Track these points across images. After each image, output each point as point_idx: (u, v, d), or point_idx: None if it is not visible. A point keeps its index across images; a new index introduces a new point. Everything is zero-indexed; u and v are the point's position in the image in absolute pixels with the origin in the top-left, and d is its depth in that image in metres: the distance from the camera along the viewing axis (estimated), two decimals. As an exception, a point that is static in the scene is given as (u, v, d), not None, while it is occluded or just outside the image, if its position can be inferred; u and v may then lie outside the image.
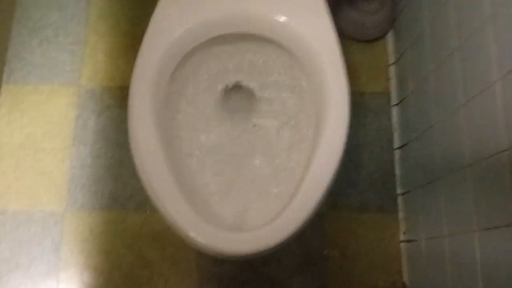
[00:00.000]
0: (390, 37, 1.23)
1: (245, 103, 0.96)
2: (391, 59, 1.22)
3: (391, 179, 1.14)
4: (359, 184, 1.14)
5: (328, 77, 0.81)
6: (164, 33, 0.84)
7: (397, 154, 1.15)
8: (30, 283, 1.07)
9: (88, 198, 1.12)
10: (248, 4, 0.86)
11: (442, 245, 0.88)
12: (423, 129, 0.99)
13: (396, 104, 1.17)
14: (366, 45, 1.23)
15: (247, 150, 0.93)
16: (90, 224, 1.10)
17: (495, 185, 0.71)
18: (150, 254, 1.08)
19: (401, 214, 1.11)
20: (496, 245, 0.71)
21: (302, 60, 0.86)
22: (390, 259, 1.09)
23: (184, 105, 0.92)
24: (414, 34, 1.06)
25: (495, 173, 0.71)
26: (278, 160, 0.91)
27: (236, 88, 0.96)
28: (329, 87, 0.81)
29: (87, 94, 1.19)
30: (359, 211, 1.12)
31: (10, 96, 1.18)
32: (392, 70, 1.21)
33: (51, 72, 1.21)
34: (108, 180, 1.13)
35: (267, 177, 0.90)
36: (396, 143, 1.16)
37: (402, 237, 1.09)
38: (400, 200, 1.12)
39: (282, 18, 0.85)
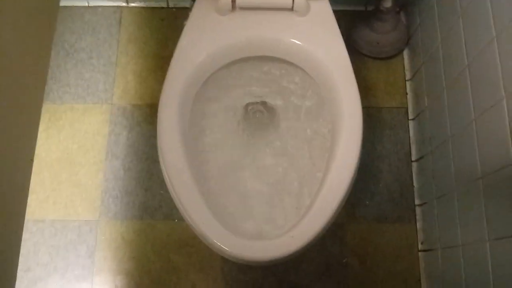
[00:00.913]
0: (406, 54, 1.25)
1: (266, 121, 0.99)
2: (408, 75, 1.23)
3: (409, 190, 1.15)
4: (378, 195, 1.15)
5: (341, 92, 0.84)
6: (189, 57, 0.87)
7: (414, 166, 1.16)
8: (66, 286, 1.10)
9: (120, 208, 1.15)
10: (266, 30, 0.90)
11: (457, 254, 0.90)
12: (438, 143, 1.01)
13: (413, 119, 1.19)
14: (382, 63, 1.26)
15: (269, 165, 0.96)
16: (122, 233, 1.13)
17: (505, 197, 0.73)
18: (178, 261, 1.11)
19: (419, 225, 1.12)
20: (506, 254, 0.72)
21: (316, 79, 0.90)
22: (408, 268, 1.10)
23: (209, 123, 0.95)
24: (428, 53, 1.08)
25: (505, 185, 0.72)
26: (301, 172, 0.94)
27: (257, 106, 1.00)
28: (342, 101, 0.84)
29: (118, 112, 1.23)
30: (378, 221, 1.13)
31: (48, 114, 1.23)
32: (408, 86, 1.23)
33: (85, 92, 1.25)
34: (139, 191, 1.17)
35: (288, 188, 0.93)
36: (414, 155, 1.17)
37: (420, 247, 1.11)
38: (418, 211, 1.13)
39: (298, 42, 0.89)
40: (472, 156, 0.83)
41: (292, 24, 0.90)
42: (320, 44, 0.88)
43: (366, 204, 1.15)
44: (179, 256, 1.12)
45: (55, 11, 0.74)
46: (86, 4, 1.33)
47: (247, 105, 1.00)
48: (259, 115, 1.00)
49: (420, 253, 1.11)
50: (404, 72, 1.24)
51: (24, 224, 1.13)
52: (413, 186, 1.16)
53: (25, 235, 1.13)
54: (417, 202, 1.14)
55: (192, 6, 0.92)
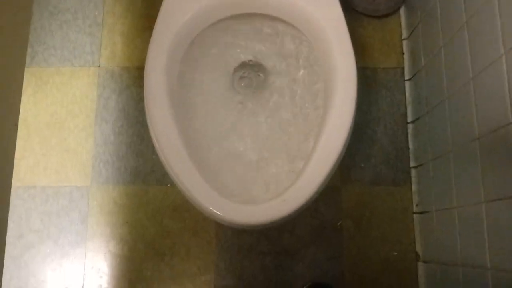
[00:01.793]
0: (402, 12, 1.22)
1: (258, 82, 0.97)
2: (404, 34, 1.20)
3: (405, 152, 1.14)
4: (373, 157, 1.14)
5: (334, 51, 0.82)
6: (175, 15, 0.84)
7: (410, 128, 1.15)
8: (59, 252, 1.11)
9: (112, 173, 1.14)
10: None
11: (453, 216, 0.89)
12: (434, 103, 0.99)
13: (409, 79, 1.17)
14: (378, 21, 1.22)
15: (261, 128, 0.94)
16: (114, 197, 1.13)
17: (502, 158, 0.72)
18: (172, 225, 1.11)
19: (414, 187, 1.12)
20: (502, 215, 0.72)
21: (309, 37, 0.87)
22: (403, 230, 1.10)
23: (198, 83, 0.93)
24: (425, 10, 1.05)
25: (502, 145, 0.71)
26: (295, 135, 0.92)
27: (248, 66, 0.97)
28: (336, 60, 0.82)
29: (106, 75, 1.20)
30: (373, 184, 1.13)
31: (34, 78, 1.20)
32: (404, 45, 1.20)
33: (72, 54, 1.22)
34: (130, 156, 1.15)
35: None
36: (409, 117, 1.16)
37: (415, 209, 1.11)
38: (413, 173, 1.13)
39: None
40: (469, 116, 0.82)
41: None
42: (312, 0, 0.85)
43: (361, 166, 1.14)
44: (173, 221, 1.12)
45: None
46: (69, -39, 1.27)
47: (238, 65, 0.97)
48: (251, 76, 0.97)
49: (415, 215, 1.11)
50: (401, 31, 1.21)
51: (15, 191, 1.13)
52: (409, 148, 1.15)
53: (16, 202, 1.13)
54: (412, 164, 1.14)
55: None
